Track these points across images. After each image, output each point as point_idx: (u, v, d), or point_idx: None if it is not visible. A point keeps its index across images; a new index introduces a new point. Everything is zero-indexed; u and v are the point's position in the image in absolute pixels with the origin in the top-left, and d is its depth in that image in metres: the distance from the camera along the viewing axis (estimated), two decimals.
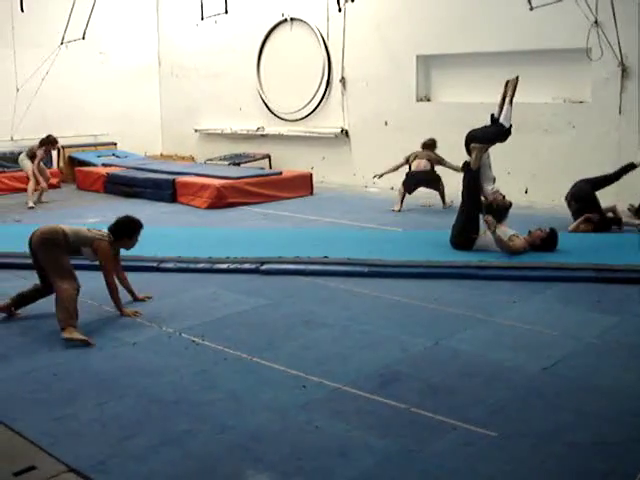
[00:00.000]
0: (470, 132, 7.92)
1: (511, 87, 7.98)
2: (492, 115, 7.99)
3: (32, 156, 11.76)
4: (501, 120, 7.85)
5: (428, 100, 12.47)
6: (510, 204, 7.99)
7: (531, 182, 10.98)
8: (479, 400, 4.29)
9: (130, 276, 7.07)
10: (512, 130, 7.88)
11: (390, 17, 12.43)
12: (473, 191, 7.75)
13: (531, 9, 9.90)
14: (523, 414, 4.11)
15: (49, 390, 4.50)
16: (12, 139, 14.10)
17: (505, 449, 3.70)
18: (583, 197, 8.97)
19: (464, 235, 7.60)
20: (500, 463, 3.58)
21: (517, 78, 8.02)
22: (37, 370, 4.82)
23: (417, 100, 12.39)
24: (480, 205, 7.72)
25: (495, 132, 7.86)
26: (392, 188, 12.53)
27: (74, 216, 10.19)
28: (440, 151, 10.95)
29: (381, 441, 3.80)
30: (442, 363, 4.88)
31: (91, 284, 6.83)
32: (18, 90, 13.85)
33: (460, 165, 8.36)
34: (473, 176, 7.73)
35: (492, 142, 7.89)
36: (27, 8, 13.04)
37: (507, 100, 7.91)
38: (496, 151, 8.14)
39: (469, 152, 7.81)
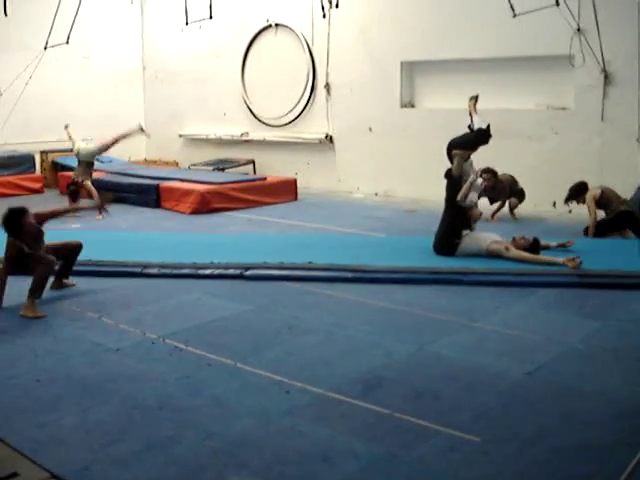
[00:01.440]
0: (451, 140, 7.98)
1: (473, 102, 8.12)
2: (468, 126, 8.06)
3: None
4: (476, 125, 7.92)
5: (412, 106, 12.52)
6: (480, 214, 8.08)
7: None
8: (463, 405, 4.30)
9: (113, 281, 7.09)
10: (492, 132, 7.92)
11: (374, 23, 12.47)
12: (455, 198, 7.78)
13: (514, 16, 9.96)
14: (507, 419, 4.12)
15: (32, 396, 4.47)
16: None
17: (489, 454, 3.72)
18: None
19: (447, 241, 7.63)
20: (484, 468, 3.59)
21: (477, 96, 8.22)
22: (20, 376, 4.78)
23: (401, 106, 12.44)
24: (462, 211, 7.75)
25: (475, 135, 7.92)
26: (376, 194, 12.59)
27: (56, 222, 10.09)
28: (424, 158, 11.00)
29: (365, 446, 3.80)
30: (426, 368, 4.89)
31: (71, 290, 6.83)
32: (1, 94, 13.74)
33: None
34: (455, 183, 7.76)
35: (474, 146, 7.94)
36: (11, 12, 12.95)
37: (473, 111, 8.03)
38: (479, 157, 8.19)
39: (451, 160, 7.86)
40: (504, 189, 9.99)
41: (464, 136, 8.00)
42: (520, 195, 10.10)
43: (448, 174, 7.88)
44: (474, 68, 11.51)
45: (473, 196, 7.93)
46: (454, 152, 7.82)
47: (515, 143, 10.81)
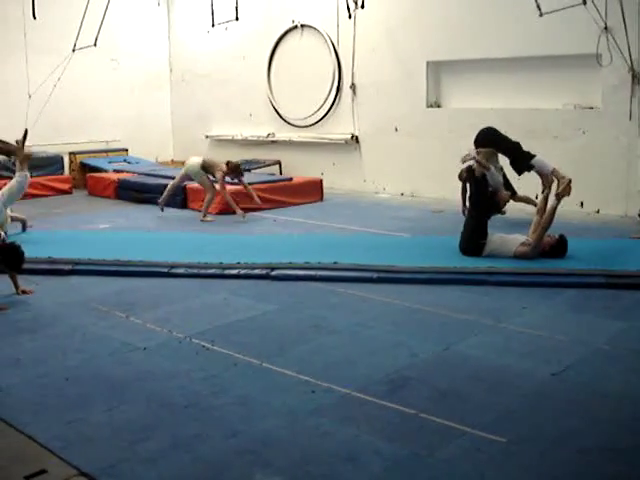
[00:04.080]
0: (488, 133, 7.86)
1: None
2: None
3: (205, 169, 10.85)
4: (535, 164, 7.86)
5: (438, 106, 12.48)
6: (508, 196, 8.00)
7: (540, 188, 10.93)
8: (488, 406, 4.29)
9: (141, 281, 7.16)
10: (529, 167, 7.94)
11: (400, 23, 12.46)
12: (481, 197, 7.75)
13: (541, 15, 9.90)
14: (532, 420, 4.11)
15: (60, 394, 4.53)
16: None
17: (514, 455, 3.70)
18: None
19: (473, 241, 7.60)
20: (509, 469, 3.58)
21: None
22: (48, 375, 4.85)
23: (427, 106, 12.41)
24: (488, 211, 7.72)
25: (518, 149, 7.81)
26: (402, 194, 12.58)
27: (85, 222, 10.26)
28: (450, 158, 10.93)
29: (390, 446, 3.81)
30: (451, 368, 4.89)
31: (100, 290, 6.92)
32: (30, 97, 13.93)
33: None
34: (478, 183, 7.72)
35: (508, 155, 7.85)
36: (39, 15, 13.13)
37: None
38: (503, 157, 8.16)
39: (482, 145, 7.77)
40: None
41: (506, 139, 7.87)
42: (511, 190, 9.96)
43: (471, 172, 7.83)
44: (500, 67, 11.45)
45: (498, 179, 7.88)
46: (480, 150, 7.77)
47: (541, 143, 10.69)
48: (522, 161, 7.99)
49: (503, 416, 4.14)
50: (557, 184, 7.74)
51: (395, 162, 12.80)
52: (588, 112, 10.65)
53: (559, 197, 7.47)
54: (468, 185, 7.98)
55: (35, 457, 3.76)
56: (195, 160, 10.95)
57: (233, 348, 5.26)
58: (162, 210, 10.87)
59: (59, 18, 14.00)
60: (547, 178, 7.99)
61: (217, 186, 10.65)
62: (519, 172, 8.46)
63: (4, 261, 6.61)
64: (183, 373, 4.84)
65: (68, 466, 3.64)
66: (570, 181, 7.58)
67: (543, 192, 7.97)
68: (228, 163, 10.73)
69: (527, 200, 9.78)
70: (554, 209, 7.36)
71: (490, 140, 8.21)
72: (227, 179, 10.81)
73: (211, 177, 10.85)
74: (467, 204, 8.71)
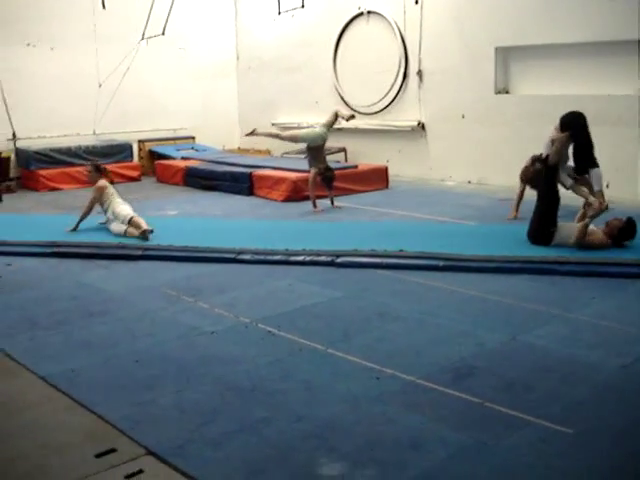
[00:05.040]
0: (575, 117, 7.72)
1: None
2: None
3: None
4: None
5: (507, 92, 12.28)
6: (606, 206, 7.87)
7: (614, 176, 10.68)
8: (555, 396, 4.23)
9: (208, 267, 7.27)
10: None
11: (468, 8, 12.28)
12: (551, 185, 7.61)
13: None
14: (600, 411, 4.04)
15: (130, 376, 4.65)
16: (94, 133, 14.54)
17: (581, 446, 3.65)
18: None
19: (542, 229, 7.47)
20: (576, 460, 3.53)
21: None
22: (119, 357, 4.98)
23: (495, 92, 12.21)
24: (557, 199, 7.58)
25: (590, 147, 7.73)
26: (469, 182, 12.44)
27: (154, 208, 10.44)
28: (519, 145, 10.78)
29: (455, 434, 3.79)
30: (518, 358, 4.83)
31: (169, 275, 7.05)
32: (100, 85, 14.25)
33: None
34: (551, 171, 7.59)
35: (578, 145, 7.73)
36: (108, 5, 13.38)
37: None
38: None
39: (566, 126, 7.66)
40: None
41: (588, 134, 7.74)
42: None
43: (542, 160, 7.70)
44: (571, 53, 11.19)
45: (565, 179, 7.73)
46: (556, 136, 7.63)
47: (613, 130, 10.45)
48: (587, 162, 7.85)
49: (570, 407, 4.08)
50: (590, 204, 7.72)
51: (462, 149, 12.65)
52: None
53: (592, 217, 7.38)
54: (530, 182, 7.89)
55: (105, 436, 3.88)
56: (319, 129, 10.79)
57: (298, 334, 5.31)
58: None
59: (128, 8, 14.24)
60: (590, 190, 7.89)
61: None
62: (577, 170, 8.32)
63: None
64: (249, 357, 4.90)
65: (137, 445, 3.75)
66: (606, 208, 7.60)
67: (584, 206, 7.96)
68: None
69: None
70: (586, 226, 7.23)
71: (577, 124, 8.02)
72: None
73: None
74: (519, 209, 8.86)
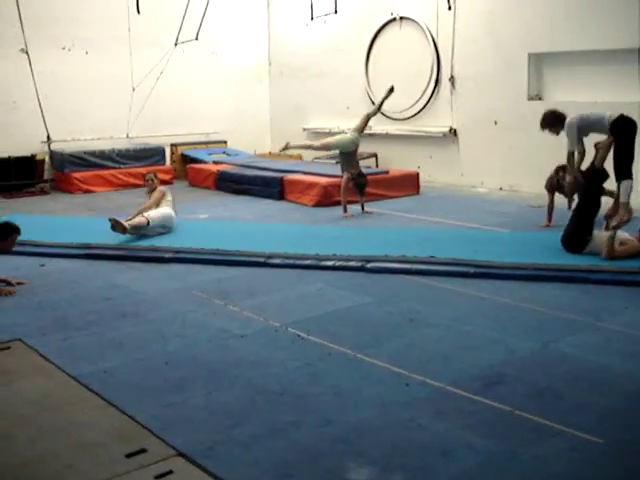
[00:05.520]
0: (626, 121, 7.70)
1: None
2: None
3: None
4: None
5: (540, 99, 12.19)
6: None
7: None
8: (586, 405, 4.19)
9: (239, 270, 7.31)
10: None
11: (501, 14, 12.23)
12: (595, 192, 7.56)
13: None
14: (631, 421, 4.00)
15: (160, 377, 4.69)
16: (128, 136, 14.70)
17: (611, 456, 3.62)
18: None
19: (578, 235, 7.40)
20: (606, 470, 3.50)
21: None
22: (149, 358, 5.03)
23: (528, 99, 12.14)
24: (598, 207, 7.53)
25: (631, 157, 7.69)
26: (501, 189, 12.37)
27: (186, 212, 10.50)
28: (551, 152, 10.66)
29: (484, 442, 3.77)
30: (549, 367, 4.79)
31: (200, 277, 7.10)
32: (134, 89, 14.40)
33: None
34: (596, 177, 7.55)
35: (620, 151, 7.68)
36: (143, 10, 13.52)
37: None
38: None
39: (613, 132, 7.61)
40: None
41: (633, 142, 7.72)
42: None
43: (591, 167, 7.68)
44: (605, 59, 11.09)
45: None
46: (601, 143, 7.61)
47: None
48: (622, 171, 7.77)
49: (601, 417, 4.04)
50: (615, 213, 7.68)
51: (494, 156, 12.59)
52: None
53: (615, 228, 7.31)
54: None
55: (135, 436, 3.91)
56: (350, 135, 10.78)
57: (328, 338, 5.31)
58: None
59: (162, 13, 14.40)
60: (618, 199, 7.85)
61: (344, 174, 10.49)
62: (616, 177, 8.24)
63: None
64: (279, 361, 4.92)
65: (167, 446, 3.77)
66: (628, 220, 7.51)
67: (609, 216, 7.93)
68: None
69: (612, 194, 9.50)
70: (612, 238, 7.15)
71: (627, 131, 7.94)
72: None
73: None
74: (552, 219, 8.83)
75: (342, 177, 10.56)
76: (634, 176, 7.78)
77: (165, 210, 8.85)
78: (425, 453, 3.68)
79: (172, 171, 14.58)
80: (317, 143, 11.20)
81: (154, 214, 8.67)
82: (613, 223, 7.46)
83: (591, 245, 7.32)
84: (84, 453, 3.73)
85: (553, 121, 8.34)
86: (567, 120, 8.09)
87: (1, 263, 7.22)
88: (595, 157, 7.79)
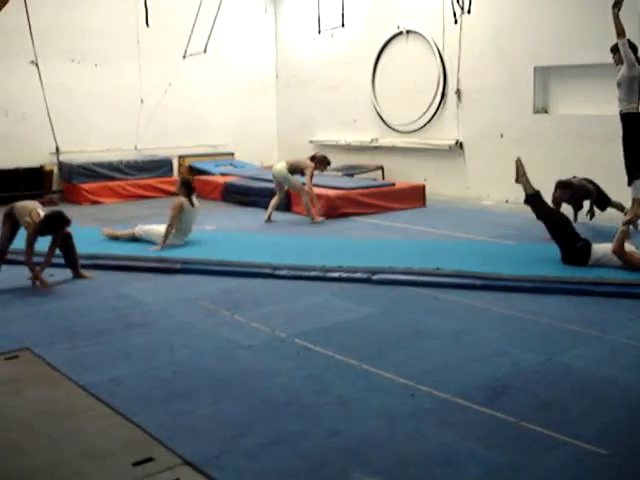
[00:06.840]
0: None
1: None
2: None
3: (293, 171, 11.01)
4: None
5: (546, 112, 12.24)
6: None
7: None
8: (591, 417, 4.21)
9: (246, 281, 7.34)
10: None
11: (507, 28, 12.29)
12: (547, 208, 7.95)
13: None
14: (636, 433, 4.01)
15: (168, 387, 4.72)
16: (136, 148, 14.79)
17: (616, 467, 3.63)
18: None
19: (569, 250, 7.42)
20: None
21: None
22: (157, 368, 5.06)
23: (534, 112, 12.18)
24: (560, 219, 7.74)
25: None
26: (507, 201, 12.40)
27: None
28: (557, 165, 10.73)
29: (489, 453, 3.79)
30: (554, 379, 4.81)
31: (207, 288, 7.14)
32: (142, 101, 14.50)
33: None
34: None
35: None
36: (152, 23, 13.63)
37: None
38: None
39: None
40: (585, 192, 9.64)
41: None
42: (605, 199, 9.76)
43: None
44: (611, 73, 11.10)
45: None
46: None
47: None
48: (635, 171, 7.82)
49: (606, 428, 4.06)
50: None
51: (500, 169, 12.59)
52: None
53: (628, 223, 7.40)
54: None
55: (142, 445, 3.94)
56: (280, 165, 11.09)
57: (334, 349, 5.34)
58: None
59: (171, 26, 14.51)
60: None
61: (307, 181, 10.75)
62: (629, 177, 8.29)
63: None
64: (285, 371, 4.95)
65: (174, 455, 3.80)
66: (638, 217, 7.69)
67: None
68: (313, 157, 10.87)
69: (619, 206, 9.54)
70: (624, 233, 7.18)
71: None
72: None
73: (300, 177, 10.99)
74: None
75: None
76: None
77: (154, 227, 8.98)
78: (430, 463, 3.70)
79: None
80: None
81: (139, 229, 9.06)
82: (627, 218, 7.50)
83: (593, 257, 7.32)
84: (92, 461, 3.76)
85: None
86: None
87: (13, 272, 7.32)
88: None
